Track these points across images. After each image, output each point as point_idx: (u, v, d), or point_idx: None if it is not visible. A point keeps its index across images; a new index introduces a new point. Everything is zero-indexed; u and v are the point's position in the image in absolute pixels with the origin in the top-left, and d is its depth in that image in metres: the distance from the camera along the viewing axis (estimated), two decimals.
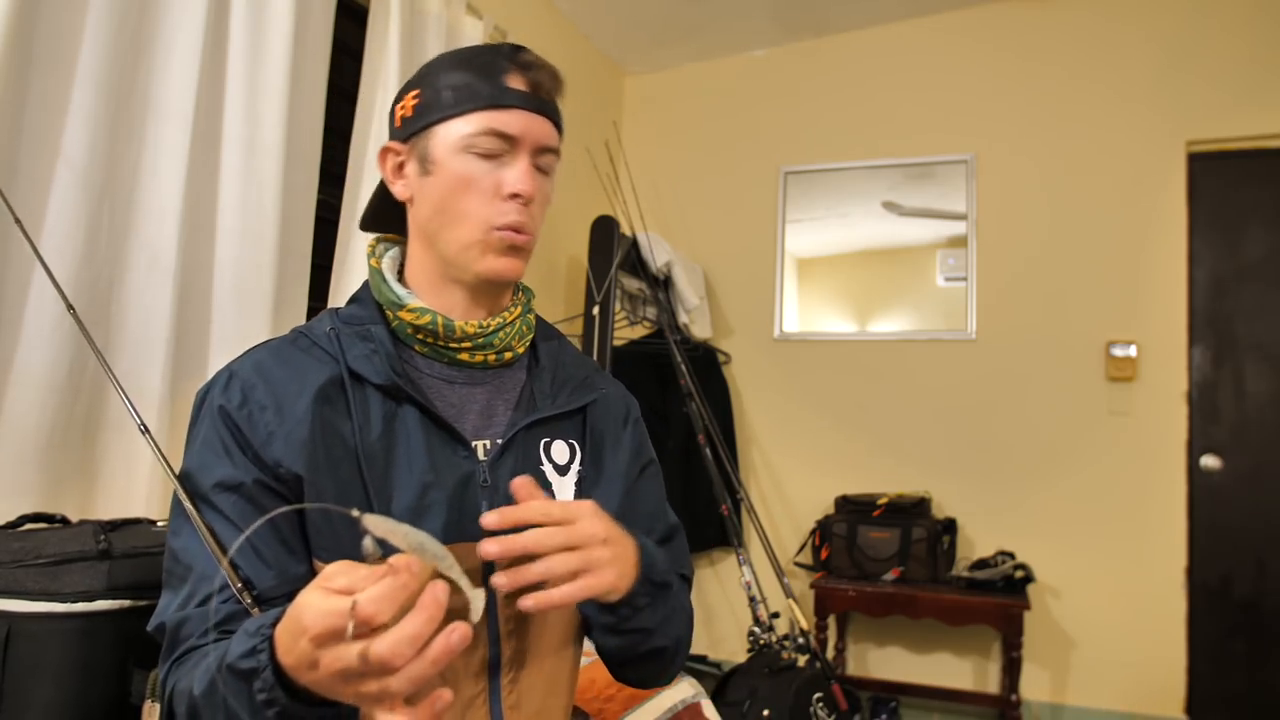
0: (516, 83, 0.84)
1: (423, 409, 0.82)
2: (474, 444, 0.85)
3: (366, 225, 0.98)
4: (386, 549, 0.57)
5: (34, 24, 1.45)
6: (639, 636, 0.84)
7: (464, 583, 0.62)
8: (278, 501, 0.78)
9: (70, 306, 1.18)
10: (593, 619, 0.84)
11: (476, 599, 0.62)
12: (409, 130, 0.87)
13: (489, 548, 0.66)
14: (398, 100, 0.89)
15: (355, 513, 0.57)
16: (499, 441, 0.85)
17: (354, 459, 0.79)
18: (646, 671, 0.92)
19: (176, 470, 0.83)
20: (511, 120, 0.83)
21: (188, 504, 0.79)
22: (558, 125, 0.89)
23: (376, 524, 0.57)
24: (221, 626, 0.74)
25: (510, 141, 0.84)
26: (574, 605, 0.89)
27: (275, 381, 0.81)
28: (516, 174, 0.84)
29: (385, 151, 0.90)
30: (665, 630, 0.86)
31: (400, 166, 0.89)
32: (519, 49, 0.87)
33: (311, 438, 0.78)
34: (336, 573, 0.56)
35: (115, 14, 1.57)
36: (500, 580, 0.66)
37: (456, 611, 0.61)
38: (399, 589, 0.54)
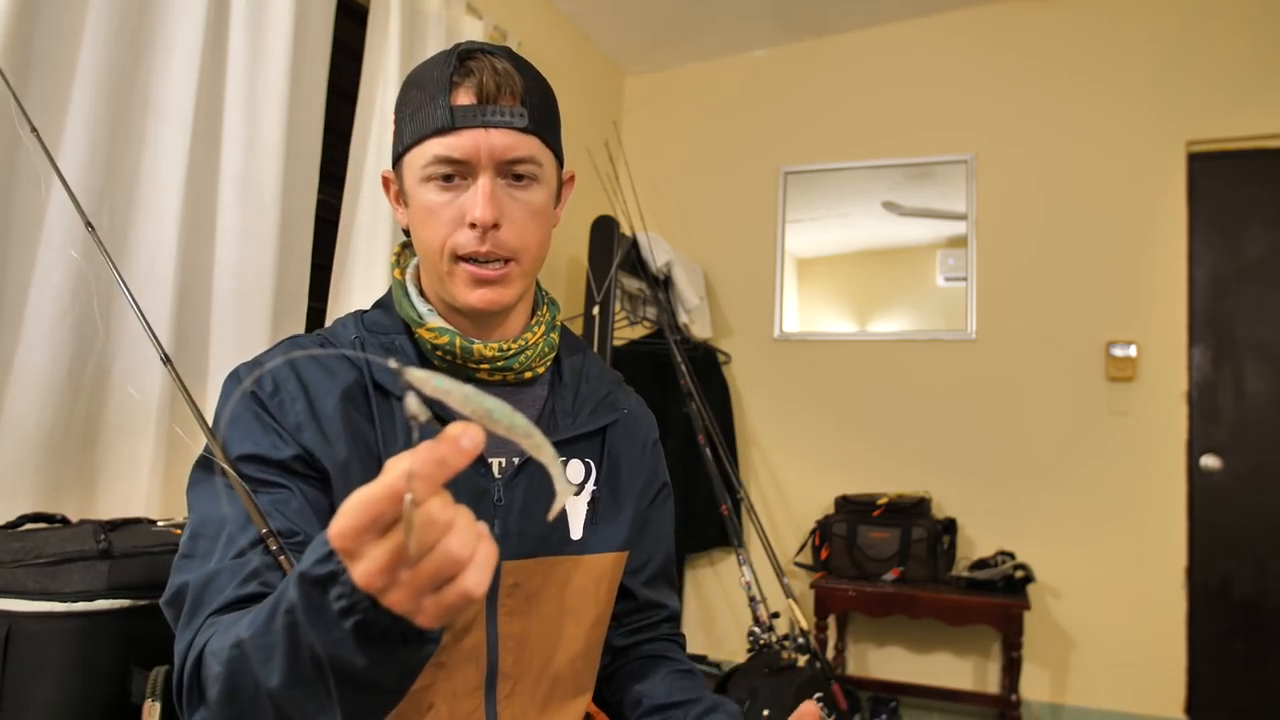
0: (463, 97, 0.78)
1: (444, 424, 0.81)
2: (491, 461, 0.83)
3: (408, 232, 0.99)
4: (444, 417, 0.44)
5: (34, 24, 1.45)
6: None
7: (555, 469, 0.53)
8: (310, 479, 0.77)
9: (89, 224, 1.16)
10: None
11: (564, 491, 0.55)
12: (393, 159, 0.86)
13: None
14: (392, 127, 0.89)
15: (393, 363, 0.48)
16: (515, 461, 0.84)
17: (377, 465, 0.78)
18: None
19: (202, 425, 0.81)
20: (459, 142, 0.78)
21: (217, 451, 0.76)
22: (528, 125, 0.80)
23: (424, 380, 0.46)
24: (258, 578, 0.70)
25: (463, 165, 0.79)
26: (598, 624, 0.89)
27: (305, 376, 0.80)
28: (473, 199, 0.79)
29: (386, 181, 0.89)
30: None
31: (399, 195, 0.87)
32: (465, 56, 0.80)
33: (340, 435, 0.78)
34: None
35: (115, 14, 1.57)
36: None
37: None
38: (437, 463, 0.44)
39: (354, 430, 0.79)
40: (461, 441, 0.45)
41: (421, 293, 0.89)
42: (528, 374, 0.87)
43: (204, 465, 0.78)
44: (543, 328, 0.89)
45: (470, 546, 0.47)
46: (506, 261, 0.81)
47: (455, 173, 0.79)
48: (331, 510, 0.77)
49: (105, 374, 1.58)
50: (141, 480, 1.60)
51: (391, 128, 0.86)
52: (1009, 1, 3.44)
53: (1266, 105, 3.07)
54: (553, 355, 0.90)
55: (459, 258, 0.80)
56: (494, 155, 0.78)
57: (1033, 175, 3.36)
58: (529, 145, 0.80)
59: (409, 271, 0.90)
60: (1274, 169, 3.12)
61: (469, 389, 0.48)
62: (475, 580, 0.47)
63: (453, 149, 0.78)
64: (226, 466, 0.75)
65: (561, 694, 0.87)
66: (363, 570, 0.48)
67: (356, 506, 0.46)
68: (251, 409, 0.79)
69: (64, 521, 1.29)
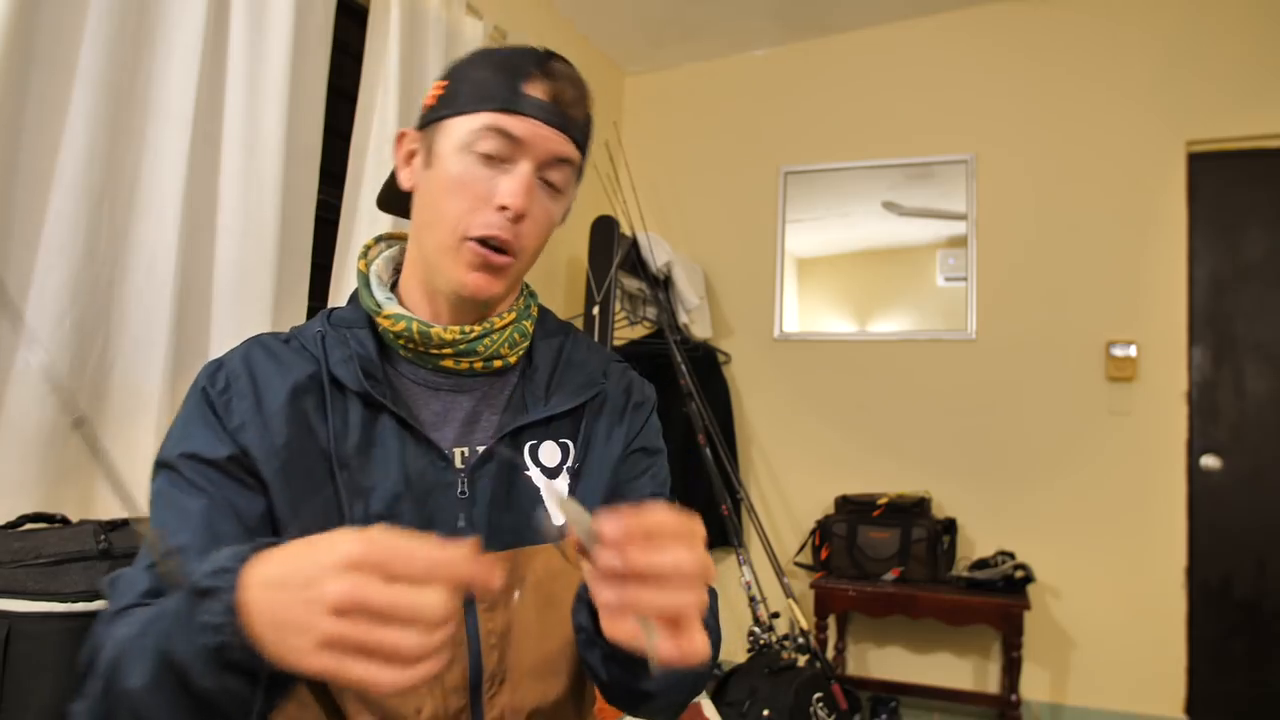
0: (536, 90, 0.79)
1: (399, 418, 0.80)
2: (453, 452, 0.82)
3: (381, 204, 0.97)
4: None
5: (34, 24, 1.45)
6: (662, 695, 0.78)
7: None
8: (248, 482, 0.76)
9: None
10: (597, 667, 0.75)
11: (578, 520, 0.56)
12: (426, 119, 0.84)
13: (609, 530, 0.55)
14: (431, 88, 0.86)
15: (562, 495, 0.57)
16: (478, 450, 0.82)
17: (327, 462, 0.78)
18: (653, 711, 0.84)
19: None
20: (519, 124, 0.78)
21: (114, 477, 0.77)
22: (578, 142, 0.83)
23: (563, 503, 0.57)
24: (153, 595, 0.69)
25: (514, 144, 0.79)
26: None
27: (260, 375, 0.80)
28: (511, 184, 0.78)
29: (401, 136, 0.87)
30: (691, 687, 0.80)
31: (411, 155, 0.86)
32: (550, 57, 0.82)
33: (283, 432, 0.77)
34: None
35: (115, 14, 1.57)
36: (607, 598, 0.56)
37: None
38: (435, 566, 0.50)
39: (301, 426, 0.78)
40: (491, 576, 0.52)
41: (392, 284, 0.89)
42: (497, 362, 0.85)
43: (154, 469, 0.79)
44: (513, 314, 0.87)
45: (420, 648, 0.50)
46: (510, 254, 0.81)
47: (499, 153, 0.79)
48: (265, 515, 0.76)
49: (105, 374, 1.58)
50: (142, 480, 1.59)
51: (433, 92, 0.84)
52: (1009, 1, 3.44)
53: (1266, 105, 3.07)
54: (525, 344, 0.88)
55: (469, 237, 0.79)
56: (546, 148, 0.79)
57: (1032, 175, 3.36)
58: (574, 155, 0.82)
59: (374, 264, 0.89)
60: (1274, 169, 3.12)
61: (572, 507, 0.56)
62: (391, 679, 0.50)
63: (512, 126, 0.78)
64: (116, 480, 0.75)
65: (553, 685, 0.85)
66: (345, 586, 0.50)
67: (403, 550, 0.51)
68: (200, 407, 0.78)
69: (64, 521, 1.29)
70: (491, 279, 0.81)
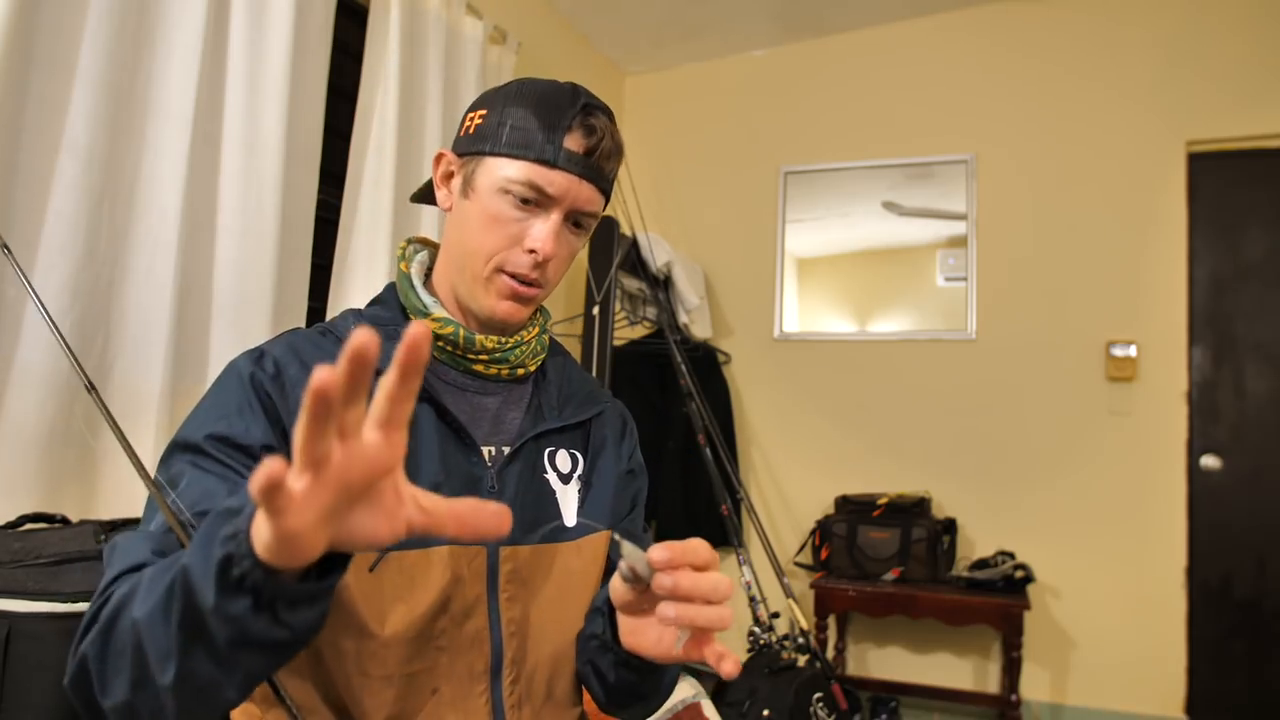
0: (574, 143, 0.85)
1: (439, 411, 0.85)
2: (482, 449, 0.88)
3: (416, 198, 1.02)
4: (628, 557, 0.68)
5: (34, 24, 1.45)
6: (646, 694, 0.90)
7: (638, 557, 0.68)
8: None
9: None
10: (606, 671, 0.86)
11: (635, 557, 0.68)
12: (464, 148, 0.89)
13: (658, 555, 0.66)
14: (470, 109, 0.91)
15: (616, 537, 0.67)
16: (505, 449, 0.89)
17: None
18: (633, 711, 0.95)
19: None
20: (556, 179, 0.84)
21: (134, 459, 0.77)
22: (606, 192, 0.89)
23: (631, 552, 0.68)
24: (156, 557, 0.69)
25: (548, 198, 0.85)
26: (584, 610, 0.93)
27: (310, 361, 0.81)
28: (542, 231, 0.85)
29: (439, 157, 0.92)
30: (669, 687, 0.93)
31: (449, 176, 0.91)
32: (591, 109, 0.87)
33: None
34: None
35: (115, 14, 1.57)
36: (669, 613, 0.65)
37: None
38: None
39: None
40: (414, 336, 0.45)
41: (426, 284, 0.93)
42: (520, 370, 0.92)
43: (170, 450, 0.78)
44: (536, 329, 0.95)
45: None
46: (538, 287, 0.88)
47: (533, 201, 0.85)
48: None
49: (105, 374, 1.58)
50: (141, 480, 1.60)
51: (473, 119, 0.88)
52: (1009, 1, 3.44)
53: (1266, 105, 3.07)
54: (543, 356, 0.96)
55: (502, 270, 0.86)
56: (576, 203, 0.86)
57: (1032, 175, 3.36)
58: (600, 205, 0.90)
59: (413, 265, 0.94)
60: (1274, 169, 3.12)
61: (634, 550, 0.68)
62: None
63: (550, 184, 0.84)
64: (141, 465, 0.76)
65: (565, 678, 0.90)
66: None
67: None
68: (243, 391, 0.78)
69: (64, 521, 1.29)
70: (520, 307, 0.88)
